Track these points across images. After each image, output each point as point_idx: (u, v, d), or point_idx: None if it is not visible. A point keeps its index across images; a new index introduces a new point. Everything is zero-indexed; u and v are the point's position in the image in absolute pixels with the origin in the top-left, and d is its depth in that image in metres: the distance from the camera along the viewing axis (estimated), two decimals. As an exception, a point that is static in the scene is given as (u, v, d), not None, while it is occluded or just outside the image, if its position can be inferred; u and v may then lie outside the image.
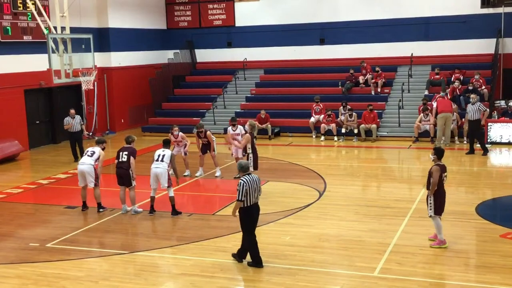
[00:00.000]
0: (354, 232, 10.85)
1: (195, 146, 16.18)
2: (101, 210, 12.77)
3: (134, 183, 12.45)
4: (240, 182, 8.98)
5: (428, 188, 9.94)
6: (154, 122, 25.03)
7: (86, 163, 12.64)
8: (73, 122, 18.32)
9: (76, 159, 18.13)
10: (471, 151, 17.84)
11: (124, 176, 12.42)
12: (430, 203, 9.87)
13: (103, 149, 13.00)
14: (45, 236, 11.15)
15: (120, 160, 12.37)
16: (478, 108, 17.82)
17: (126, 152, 12.37)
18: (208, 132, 15.80)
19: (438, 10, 23.88)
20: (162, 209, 12.74)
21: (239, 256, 9.43)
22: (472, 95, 18.44)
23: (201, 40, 27.51)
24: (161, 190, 12.70)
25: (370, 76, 23.43)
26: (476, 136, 17.98)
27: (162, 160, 12.26)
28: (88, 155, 12.72)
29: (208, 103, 24.71)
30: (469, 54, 23.62)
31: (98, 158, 12.74)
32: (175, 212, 12.19)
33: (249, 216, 9.11)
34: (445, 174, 9.98)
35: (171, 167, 12.60)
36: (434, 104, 20.24)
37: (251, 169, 13.30)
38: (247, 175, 9.12)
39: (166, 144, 12.84)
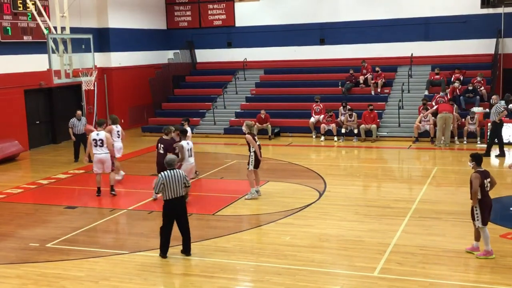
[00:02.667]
0: (354, 232, 10.85)
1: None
2: (113, 192, 13.64)
3: None
4: (158, 176, 9.68)
5: (471, 198, 9.35)
6: (154, 122, 25.01)
7: (104, 152, 13.47)
8: (79, 124, 18.06)
9: (77, 159, 18.13)
10: (487, 153, 17.23)
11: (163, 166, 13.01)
12: (477, 213, 9.27)
13: (104, 129, 13.93)
14: (45, 236, 11.15)
15: (159, 152, 13.02)
16: (496, 109, 17.44)
17: (163, 145, 12.99)
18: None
19: (438, 10, 23.89)
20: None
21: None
22: (493, 97, 17.78)
23: (201, 40, 27.51)
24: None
25: (370, 76, 23.44)
26: (497, 138, 17.45)
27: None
28: (100, 145, 13.38)
29: (208, 103, 24.71)
30: (469, 54, 23.62)
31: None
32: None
33: (170, 208, 9.67)
34: (488, 180, 9.33)
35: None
36: (434, 106, 20.24)
37: (251, 167, 13.25)
38: (168, 170, 9.67)
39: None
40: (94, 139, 13.48)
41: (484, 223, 9.30)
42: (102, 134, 13.54)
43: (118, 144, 15.21)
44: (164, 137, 13.16)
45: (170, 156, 10.22)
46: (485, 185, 9.28)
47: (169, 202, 9.64)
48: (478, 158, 9.51)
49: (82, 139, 18.15)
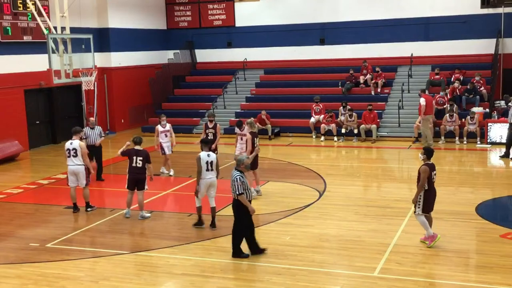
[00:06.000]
0: (354, 232, 10.86)
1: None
2: (89, 209, 12.75)
3: (147, 187, 12.18)
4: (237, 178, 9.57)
5: (417, 188, 9.91)
6: (154, 122, 24.98)
7: (76, 164, 12.55)
8: (92, 133, 15.49)
9: (100, 176, 15.79)
10: (506, 155, 17.09)
11: (140, 181, 11.94)
12: (419, 202, 9.85)
13: (81, 139, 12.93)
14: (45, 236, 11.15)
15: (135, 165, 11.85)
16: None
17: (141, 158, 11.84)
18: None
19: (438, 10, 23.89)
20: (163, 209, 12.75)
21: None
22: (511, 98, 17.41)
23: (201, 40, 27.52)
24: (161, 190, 12.64)
25: (370, 76, 23.44)
26: None
27: (212, 169, 11.51)
28: (73, 155, 12.52)
29: (208, 103, 24.72)
30: (469, 54, 23.62)
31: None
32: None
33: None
34: (434, 172, 9.91)
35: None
36: (423, 102, 19.02)
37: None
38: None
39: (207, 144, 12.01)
40: (67, 149, 12.52)
41: (424, 211, 9.86)
42: (75, 143, 12.52)
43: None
44: (137, 147, 11.99)
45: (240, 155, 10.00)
46: (432, 177, 9.80)
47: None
48: (430, 152, 10.03)
49: (96, 152, 15.55)
